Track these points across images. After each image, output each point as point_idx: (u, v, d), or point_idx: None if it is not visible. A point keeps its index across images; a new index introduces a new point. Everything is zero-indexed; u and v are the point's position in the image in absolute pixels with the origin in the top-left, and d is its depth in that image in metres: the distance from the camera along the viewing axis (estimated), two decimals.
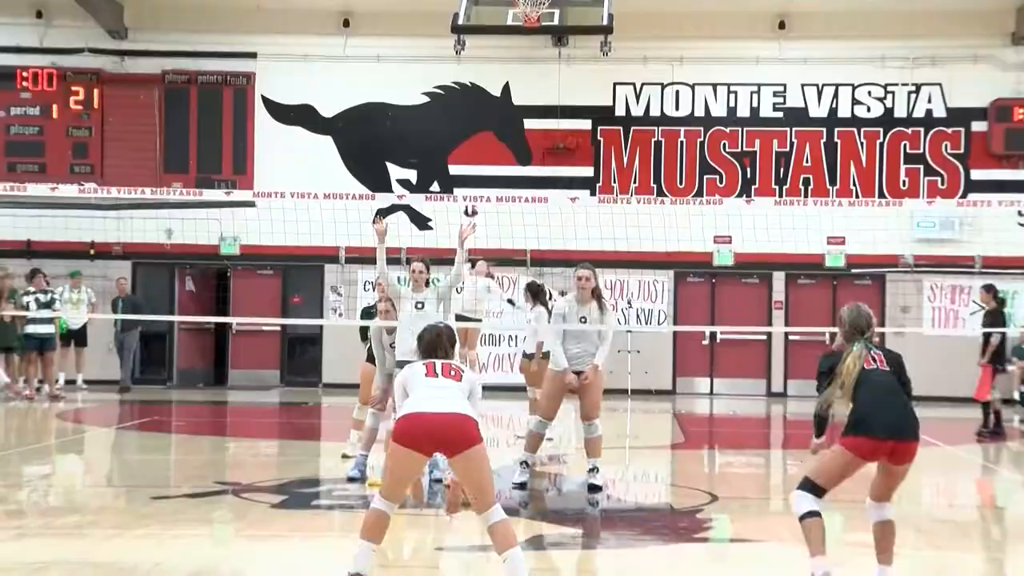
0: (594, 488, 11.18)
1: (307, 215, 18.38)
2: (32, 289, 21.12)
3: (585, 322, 11.41)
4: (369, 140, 24.77)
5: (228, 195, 19.13)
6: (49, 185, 18.36)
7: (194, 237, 23.21)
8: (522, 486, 11.36)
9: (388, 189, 24.12)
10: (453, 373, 7.39)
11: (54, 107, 24.35)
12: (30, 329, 20.74)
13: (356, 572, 6.90)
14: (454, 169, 24.78)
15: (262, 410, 20.45)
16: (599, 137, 24.61)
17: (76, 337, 22.33)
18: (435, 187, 24.64)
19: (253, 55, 24.80)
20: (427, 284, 11.72)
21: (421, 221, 24.23)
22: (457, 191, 23.68)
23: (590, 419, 11.41)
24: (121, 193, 18.81)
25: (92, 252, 23.97)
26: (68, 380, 22.03)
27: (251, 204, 20.09)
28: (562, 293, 15.75)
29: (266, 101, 24.90)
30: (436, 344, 7.63)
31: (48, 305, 20.91)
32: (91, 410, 19.55)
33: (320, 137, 24.88)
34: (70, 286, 22.30)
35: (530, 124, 24.70)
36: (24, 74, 24.31)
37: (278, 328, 24.05)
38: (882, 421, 7.20)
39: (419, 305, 11.51)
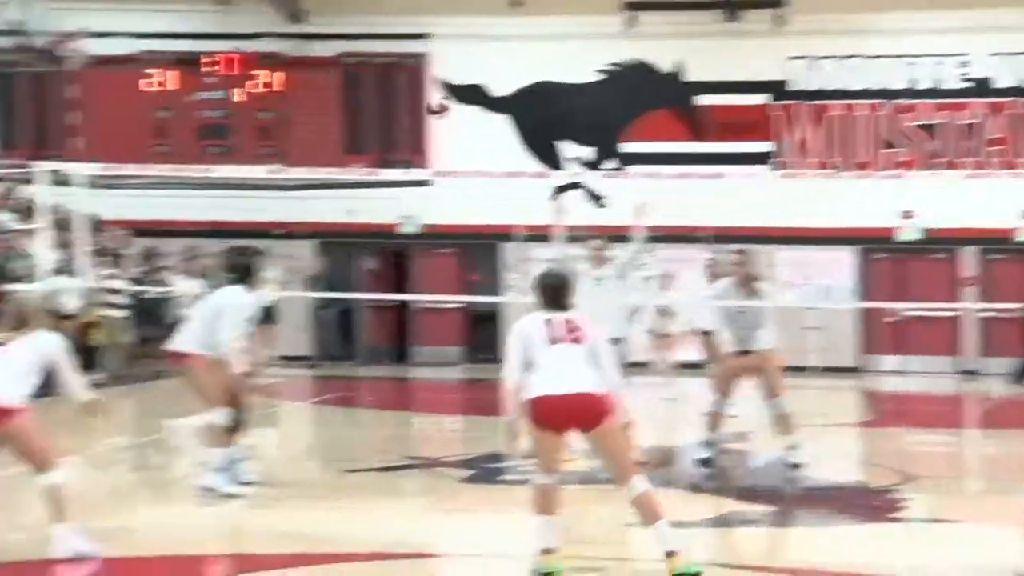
0: (793, 466, 11.05)
1: (483, 193, 18.50)
2: None
3: (743, 303, 11.37)
4: (544, 118, 24.81)
5: (406, 174, 19.39)
6: (236, 167, 18.88)
7: (375, 216, 23.65)
8: (706, 463, 11.31)
9: (563, 167, 24.17)
10: (576, 336, 7.00)
11: (238, 91, 25.02)
12: None
13: (546, 547, 6.86)
14: (628, 147, 24.68)
15: (446, 386, 20.71)
16: (775, 112, 24.22)
17: (266, 315, 22.94)
18: (610, 165, 24.59)
19: (427, 36, 25.07)
20: (606, 262, 11.74)
21: (596, 199, 24.22)
22: (632, 168, 23.58)
23: (773, 398, 11.30)
24: (304, 173, 19.25)
25: (277, 232, 24.58)
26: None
27: (428, 183, 20.32)
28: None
29: (441, 81, 25.15)
30: (561, 292, 7.17)
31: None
32: (283, 385, 20.10)
33: (495, 116, 25.03)
34: (260, 266, 22.89)
35: (704, 100, 24.44)
36: (211, 59, 25.02)
37: (460, 306, 24.29)
38: None
39: (598, 282, 11.52)
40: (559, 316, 7.08)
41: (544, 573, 6.71)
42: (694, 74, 24.44)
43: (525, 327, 7.09)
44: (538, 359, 6.91)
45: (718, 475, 11.06)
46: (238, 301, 9.61)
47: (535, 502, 7.00)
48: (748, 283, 11.41)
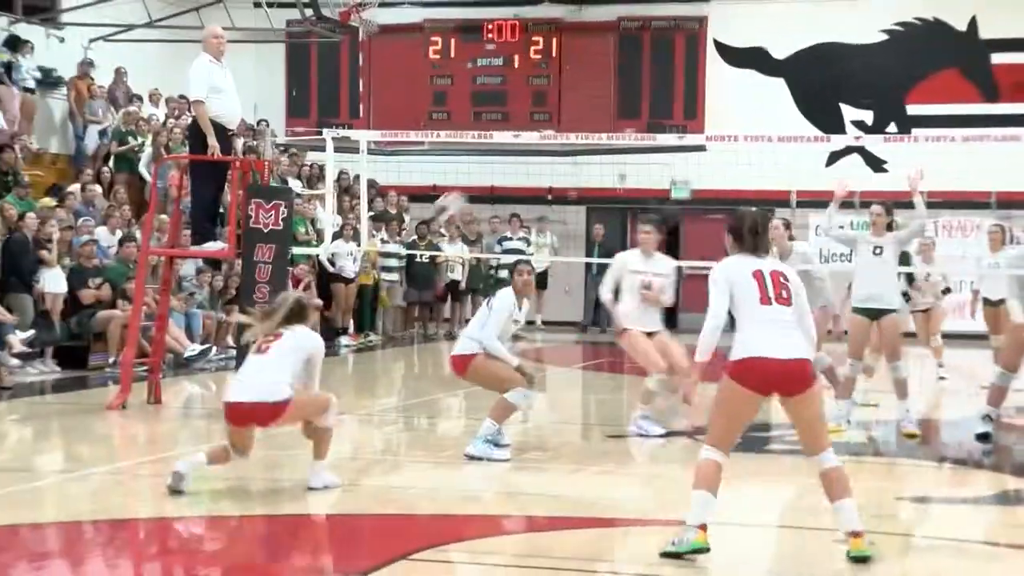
0: None
1: (759, 159, 18.15)
2: (509, 234, 22.17)
3: None
4: (823, 81, 24.17)
5: (680, 139, 19.20)
6: (512, 133, 19.11)
7: (647, 181, 23.56)
8: (985, 438, 10.78)
9: (842, 131, 23.47)
10: (785, 294, 6.60)
11: (516, 57, 25.32)
12: (503, 273, 21.67)
13: (699, 523, 6.48)
14: (912, 109, 23.76)
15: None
16: None
17: (538, 280, 23.22)
18: (892, 128, 23.72)
19: None
20: (889, 228, 11.31)
21: (876, 163, 23.41)
22: (916, 131, 22.66)
23: None
24: (577, 139, 19.33)
25: (550, 197, 24.83)
26: (527, 321, 22.99)
27: (702, 148, 20.08)
28: None
29: (718, 45, 24.80)
30: (765, 234, 6.77)
31: (520, 250, 21.87)
32: (551, 350, 20.31)
33: (772, 79, 24.53)
34: (536, 230, 23.24)
35: (999, 59, 23.26)
36: (490, 26, 25.41)
37: None
38: None
39: (877, 250, 11.11)
40: (766, 265, 6.71)
41: (693, 549, 6.45)
42: (989, 31, 23.35)
43: (732, 275, 6.72)
44: (752, 320, 6.60)
45: (997, 451, 10.54)
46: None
47: (698, 477, 6.60)
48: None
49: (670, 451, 10.45)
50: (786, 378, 6.51)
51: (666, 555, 6.43)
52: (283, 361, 7.91)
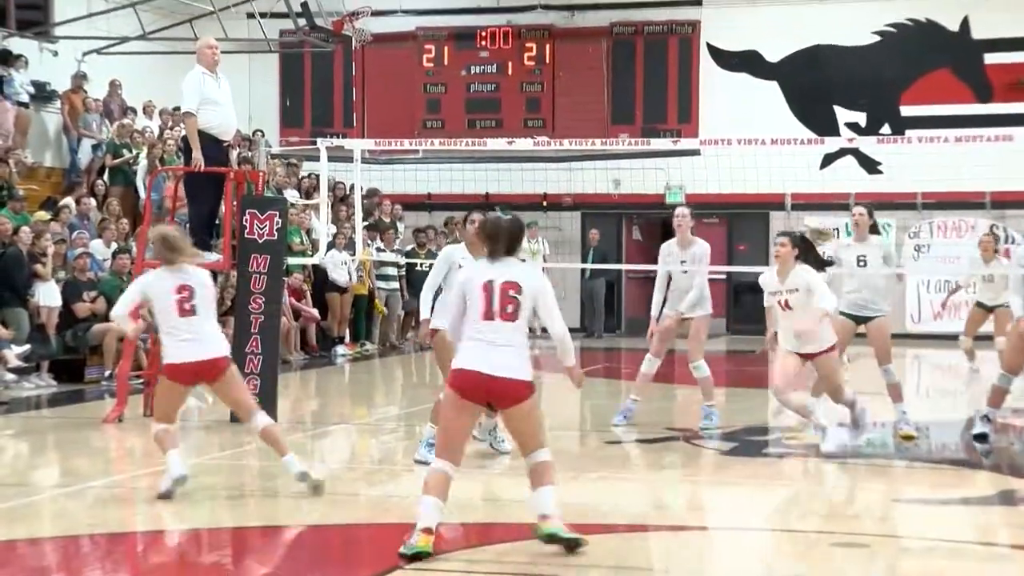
0: None
1: (752, 162, 18.16)
2: None
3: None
4: (816, 83, 24.21)
5: (675, 144, 19.22)
6: (506, 139, 19.11)
7: (641, 187, 23.58)
8: (982, 438, 10.79)
9: (835, 133, 23.49)
10: (511, 309, 6.62)
11: (509, 64, 25.34)
12: None
13: (424, 527, 6.54)
14: (906, 110, 23.80)
15: (708, 357, 20.41)
16: None
17: None
18: (885, 129, 23.76)
19: (699, 2, 24.80)
20: (874, 230, 11.20)
21: (870, 165, 23.46)
22: (909, 132, 22.69)
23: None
24: (571, 145, 19.34)
25: (544, 203, 24.84)
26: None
27: (696, 152, 20.10)
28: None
29: (711, 49, 24.83)
30: (504, 237, 6.72)
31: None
32: (545, 356, 20.26)
33: (765, 83, 24.56)
34: (527, 236, 23.22)
35: (991, 59, 23.30)
36: (483, 33, 25.43)
37: (723, 276, 23.99)
38: None
39: (862, 261, 10.96)
40: (499, 277, 6.67)
41: (415, 552, 6.45)
42: (981, 31, 23.42)
43: (470, 273, 6.86)
44: (469, 325, 6.65)
45: (994, 451, 10.54)
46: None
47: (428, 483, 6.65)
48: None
49: (667, 457, 10.46)
50: (494, 394, 6.63)
51: (402, 556, 6.48)
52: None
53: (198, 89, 11.73)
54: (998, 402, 11.03)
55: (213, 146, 11.75)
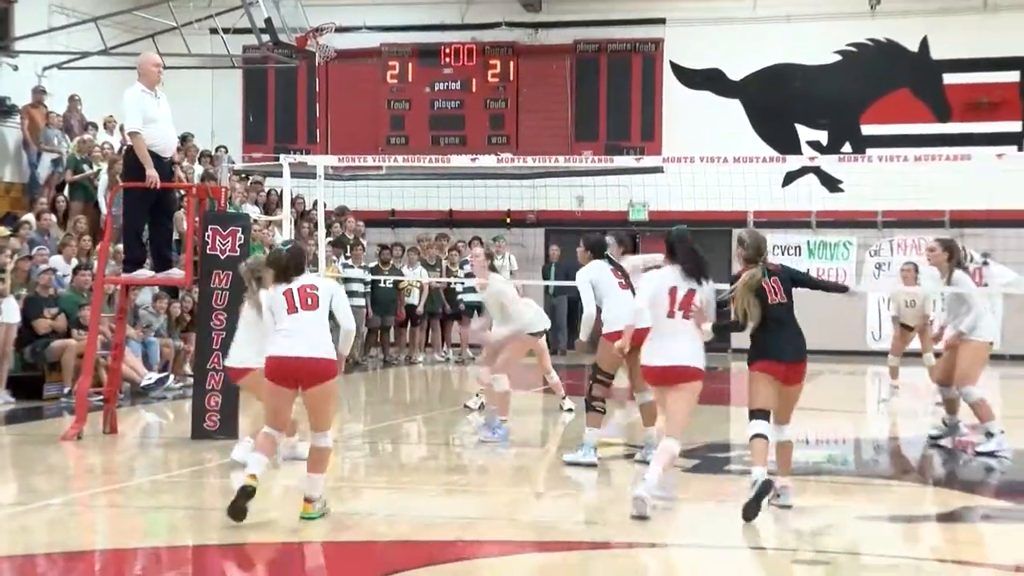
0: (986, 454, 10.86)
1: (715, 179, 18.27)
2: (468, 258, 22.06)
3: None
4: (778, 102, 24.38)
5: (638, 161, 19.29)
6: (469, 156, 19.13)
7: (604, 204, 23.64)
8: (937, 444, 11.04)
9: (797, 151, 23.67)
10: (311, 301, 7.86)
11: (473, 81, 25.37)
12: (467, 297, 21.54)
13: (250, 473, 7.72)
14: (867, 129, 24.00)
15: None
16: None
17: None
18: (847, 148, 23.94)
19: (662, 21, 24.92)
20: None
21: (831, 183, 23.63)
22: (870, 151, 22.91)
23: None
24: (535, 162, 19.37)
25: (508, 220, 24.86)
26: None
27: (659, 170, 20.19)
28: (984, 255, 15.23)
29: (674, 67, 24.95)
30: (299, 263, 8.03)
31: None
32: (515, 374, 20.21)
33: (728, 100, 24.70)
34: (495, 251, 23.15)
35: (950, 79, 23.55)
36: (447, 50, 25.45)
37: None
38: None
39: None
40: (298, 287, 7.99)
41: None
42: (940, 52, 23.65)
43: (271, 299, 8.17)
44: (278, 325, 7.90)
45: (953, 467, 10.63)
46: None
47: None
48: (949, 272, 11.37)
49: (630, 473, 10.44)
50: (296, 375, 7.78)
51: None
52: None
53: (139, 107, 11.73)
54: (986, 415, 11.18)
55: (155, 163, 11.74)
